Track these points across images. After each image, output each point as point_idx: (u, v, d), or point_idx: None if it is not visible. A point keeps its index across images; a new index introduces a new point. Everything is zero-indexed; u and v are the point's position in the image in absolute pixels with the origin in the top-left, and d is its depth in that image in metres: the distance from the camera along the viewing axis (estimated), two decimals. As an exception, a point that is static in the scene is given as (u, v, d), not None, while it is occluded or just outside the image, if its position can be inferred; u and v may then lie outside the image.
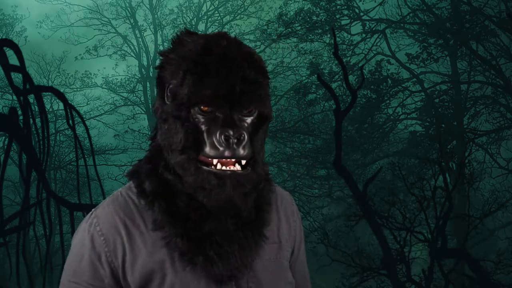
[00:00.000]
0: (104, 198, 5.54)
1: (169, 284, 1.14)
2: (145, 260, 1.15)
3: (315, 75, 12.44)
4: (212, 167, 1.13)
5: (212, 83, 1.11)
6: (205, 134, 1.13)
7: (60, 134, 18.09)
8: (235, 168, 1.14)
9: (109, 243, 1.16)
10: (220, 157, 1.12)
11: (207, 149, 1.12)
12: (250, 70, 1.15)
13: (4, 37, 18.33)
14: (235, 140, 1.12)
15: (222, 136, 1.12)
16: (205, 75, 1.12)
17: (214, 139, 1.12)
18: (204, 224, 1.15)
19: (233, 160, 1.14)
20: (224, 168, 1.13)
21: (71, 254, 1.20)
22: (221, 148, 1.11)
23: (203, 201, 1.14)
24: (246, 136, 1.13)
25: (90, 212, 1.22)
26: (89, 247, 1.17)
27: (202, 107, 1.13)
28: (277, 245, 1.28)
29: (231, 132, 1.11)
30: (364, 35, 16.01)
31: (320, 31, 16.08)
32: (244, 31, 19.62)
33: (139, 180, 1.21)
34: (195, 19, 20.65)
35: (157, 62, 1.26)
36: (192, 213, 1.15)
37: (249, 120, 1.18)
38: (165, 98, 1.18)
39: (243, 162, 1.16)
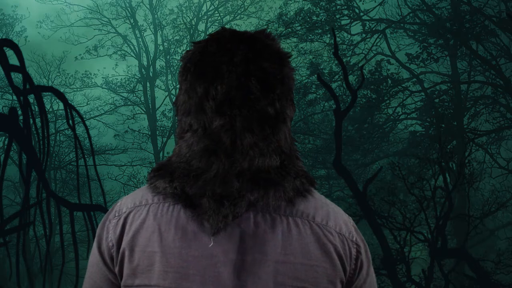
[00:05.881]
0: (104, 198, 5.56)
1: None
2: None
3: (315, 75, 12.44)
4: None
5: None
6: None
7: (60, 134, 18.10)
8: None
9: None
10: None
11: None
12: None
13: (4, 37, 18.34)
14: None
15: None
16: None
17: None
18: None
19: None
20: None
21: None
22: None
23: None
24: None
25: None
26: None
27: None
28: None
29: None
30: (364, 35, 16.01)
31: (320, 31, 16.09)
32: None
33: None
34: (195, 19, 20.67)
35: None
36: None
37: None
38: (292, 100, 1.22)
39: None
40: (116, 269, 1.12)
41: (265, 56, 1.13)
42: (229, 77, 1.10)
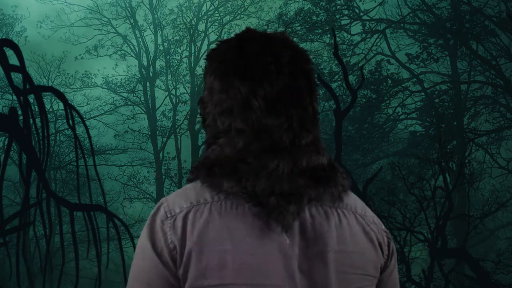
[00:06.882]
0: (104, 198, 5.55)
1: None
2: None
3: (315, 75, 12.43)
4: None
5: None
6: None
7: (60, 134, 18.11)
8: None
9: None
10: None
11: None
12: None
13: (4, 37, 18.34)
14: None
15: None
16: None
17: None
18: None
19: None
20: None
21: None
22: None
23: None
24: None
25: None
26: None
27: None
28: None
29: None
30: (364, 35, 16.02)
31: (320, 31, 16.10)
32: (244, 31, 19.61)
33: None
34: (195, 19, 20.66)
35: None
36: None
37: None
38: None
39: None
40: (180, 271, 1.08)
41: (304, 58, 1.20)
42: (279, 78, 1.13)
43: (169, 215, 1.11)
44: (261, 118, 1.12)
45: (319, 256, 1.10)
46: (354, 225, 1.15)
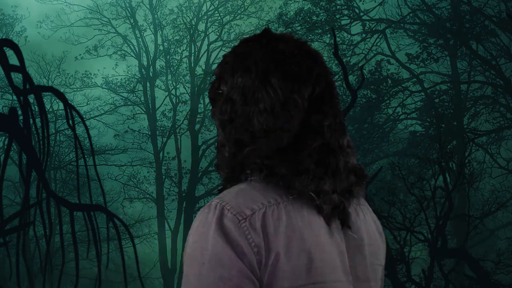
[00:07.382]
0: (104, 198, 5.54)
1: None
2: None
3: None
4: None
5: None
6: None
7: (60, 134, 18.11)
8: None
9: None
10: None
11: None
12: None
13: (4, 37, 18.34)
14: None
15: None
16: None
17: None
18: None
19: None
20: None
21: None
22: None
23: None
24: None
25: None
26: None
27: None
28: None
29: None
30: (364, 35, 16.02)
31: (320, 31, 16.10)
32: (244, 31, 19.63)
33: None
34: (195, 19, 20.65)
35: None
36: None
37: None
38: None
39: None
40: (266, 273, 1.04)
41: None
42: (319, 78, 1.15)
43: (240, 218, 1.05)
44: (307, 118, 1.13)
45: (358, 250, 1.15)
46: (370, 220, 1.22)
